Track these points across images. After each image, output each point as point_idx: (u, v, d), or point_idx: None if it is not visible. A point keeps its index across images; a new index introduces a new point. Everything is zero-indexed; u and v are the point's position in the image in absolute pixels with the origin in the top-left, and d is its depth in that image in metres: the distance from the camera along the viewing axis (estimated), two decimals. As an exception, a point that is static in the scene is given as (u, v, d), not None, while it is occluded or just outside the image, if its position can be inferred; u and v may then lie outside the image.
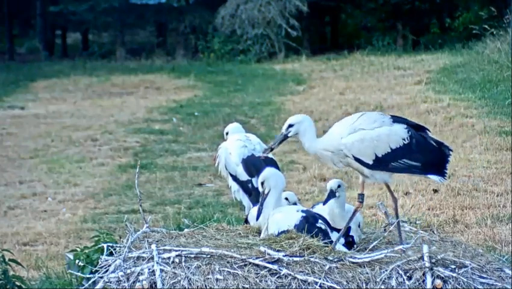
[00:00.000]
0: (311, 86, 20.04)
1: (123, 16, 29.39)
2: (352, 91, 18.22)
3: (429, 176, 5.54)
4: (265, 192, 5.78)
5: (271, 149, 5.70)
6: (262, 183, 5.79)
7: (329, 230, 5.63)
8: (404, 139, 5.44)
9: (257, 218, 5.87)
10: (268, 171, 5.89)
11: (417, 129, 5.58)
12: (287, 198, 6.05)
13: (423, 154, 5.47)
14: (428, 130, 5.63)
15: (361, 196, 5.56)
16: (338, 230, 5.67)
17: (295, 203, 6.10)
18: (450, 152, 5.57)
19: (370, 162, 5.45)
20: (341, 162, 5.53)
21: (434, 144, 5.55)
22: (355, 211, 5.59)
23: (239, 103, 18.09)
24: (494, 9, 20.96)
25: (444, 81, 18.06)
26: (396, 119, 5.57)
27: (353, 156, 5.46)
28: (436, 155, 5.51)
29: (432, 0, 27.34)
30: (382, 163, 5.44)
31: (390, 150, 5.42)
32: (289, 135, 5.59)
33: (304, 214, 5.68)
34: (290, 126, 5.57)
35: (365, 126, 5.50)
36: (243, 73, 23.55)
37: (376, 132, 5.45)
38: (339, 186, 5.75)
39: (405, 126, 5.51)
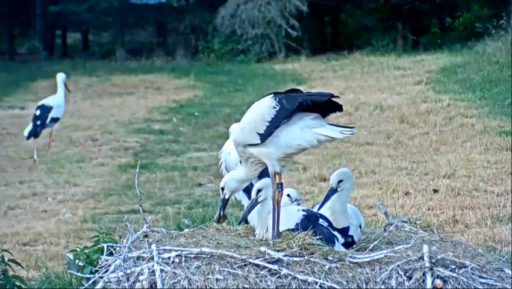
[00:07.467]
0: (311, 86, 20.01)
1: (123, 16, 29.40)
2: (352, 91, 18.21)
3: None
4: (259, 200, 5.68)
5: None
6: (259, 191, 5.66)
7: (331, 230, 5.61)
8: (275, 107, 5.46)
9: (239, 222, 5.88)
10: (268, 182, 5.68)
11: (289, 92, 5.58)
12: (289, 195, 6.01)
13: (297, 105, 5.41)
14: (300, 91, 5.60)
15: (280, 185, 5.51)
16: (340, 230, 5.65)
17: (297, 200, 6.08)
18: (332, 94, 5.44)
19: (259, 141, 5.44)
20: (253, 160, 5.53)
21: (307, 94, 5.49)
22: (278, 202, 5.49)
23: (239, 103, 18.07)
24: (495, 9, 20.98)
25: (444, 81, 18.05)
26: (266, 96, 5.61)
27: (247, 145, 5.50)
28: (313, 97, 5.41)
29: (432, 0, 27.34)
30: (268, 136, 5.43)
31: (268, 124, 5.43)
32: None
33: (305, 213, 5.66)
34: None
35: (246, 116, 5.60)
36: (243, 73, 23.55)
37: (248, 114, 5.54)
38: (341, 180, 5.64)
39: (272, 95, 5.56)
